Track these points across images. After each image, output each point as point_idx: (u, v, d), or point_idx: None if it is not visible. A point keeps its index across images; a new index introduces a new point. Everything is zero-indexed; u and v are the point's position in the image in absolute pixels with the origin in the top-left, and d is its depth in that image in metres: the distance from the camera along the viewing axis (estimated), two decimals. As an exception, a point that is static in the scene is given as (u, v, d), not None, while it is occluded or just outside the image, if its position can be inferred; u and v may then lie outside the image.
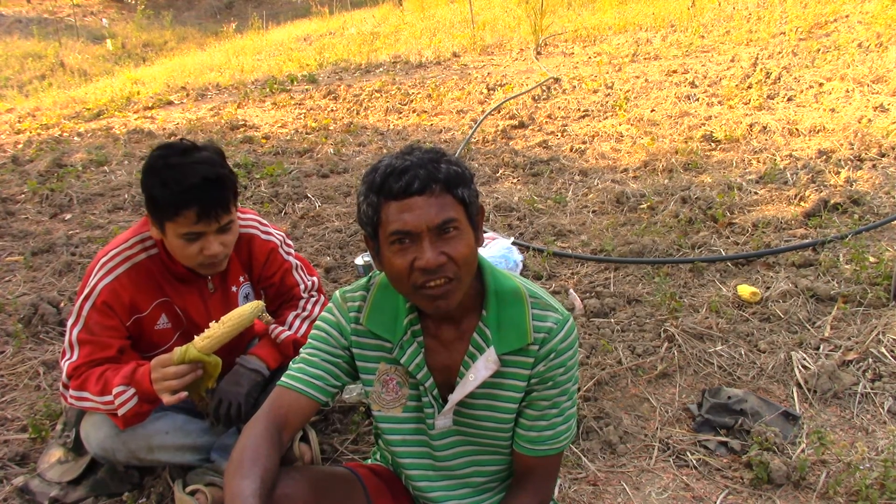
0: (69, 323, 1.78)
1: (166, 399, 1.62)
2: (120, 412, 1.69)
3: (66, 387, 1.77)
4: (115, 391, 1.68)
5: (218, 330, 1.62)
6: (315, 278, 2.13)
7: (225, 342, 1.64)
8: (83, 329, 1.75)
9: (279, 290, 2.05)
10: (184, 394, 1.64)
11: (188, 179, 1.61)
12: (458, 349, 1.35)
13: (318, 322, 1.43)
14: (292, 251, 2.08)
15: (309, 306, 2.06)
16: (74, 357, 1.75)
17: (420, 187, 1.18)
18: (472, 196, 1.25)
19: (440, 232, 1.20)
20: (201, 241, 1.70)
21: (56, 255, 3.62)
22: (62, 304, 2.97)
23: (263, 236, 1.99)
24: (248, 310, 1.64)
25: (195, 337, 1.65)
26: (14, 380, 2.53)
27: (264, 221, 2.04)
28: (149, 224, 1.77)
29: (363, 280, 1.43)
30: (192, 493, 1.83)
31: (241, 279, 1.98)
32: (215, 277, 1.91)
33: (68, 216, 4.28)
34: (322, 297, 2.11)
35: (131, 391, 1.69)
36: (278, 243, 2.02)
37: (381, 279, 1.39)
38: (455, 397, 1.35)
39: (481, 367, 1.32)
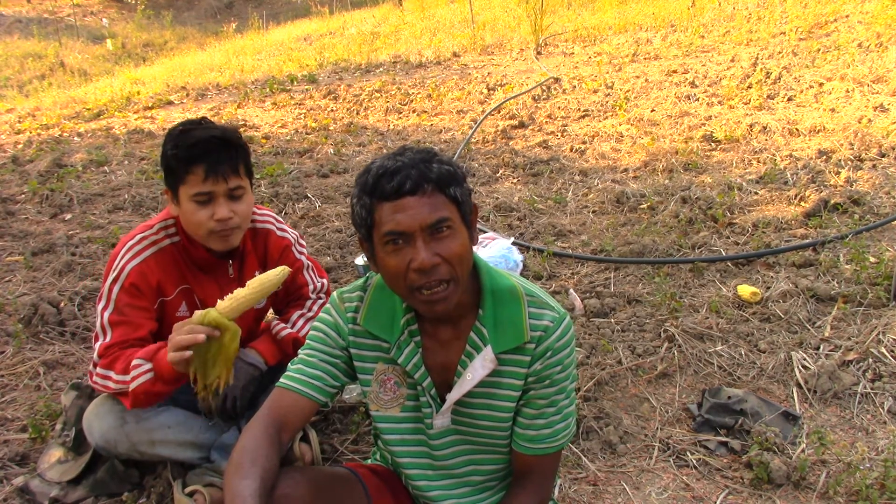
0: (99, 307, 1.80)
1: (171, 356, 1.52)
2: (132, 385, 1.68)
3: (95, 366, 1.79)
4: (133, 363, 1.69)
5: (241, 293, 1.54)
6: (324, 280, 2.15)
7: (248, 307, 1.57)
8: (114, 311, 1.77)
9: (289, 288, 2.07)
10: (189, 353, 1.51)
11: (197, 136, 1.70)
12: (456, 348, 1.35)
13: (315, 323, 1.44)
14: (304, 251, 2.10)
15: (315, 307, 2.07)
16: (108, 339, 1.77)
17: (412, 187, 1.18)
18: (465, 195, 1.25)
19: (434, 231, 1.19)
20: (212, 206, 1.73)
21: (56, 255, 3.62)
22: (62, 304, 2.97)
23: (279, 233, 2.02)
24: (273, 274, 1.57)
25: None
26: (14, 380, 2.53)
27: (280, 219, 2.07)
28: (170, 211, 1.81)
29: (360, 280, 1.43)
30: (191, 494, 1.83)
31: (257, 273, 1.99)
32: (234, 263, 1.92)
33: (68, 216, 4.27)
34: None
35: (148, 366, 1.69)
36: (292, 241, 2.05)
37: (378, 280, 1.39)
38: (453, 396, 1.35)
39: (478, 367, 1.32)
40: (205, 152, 1.69)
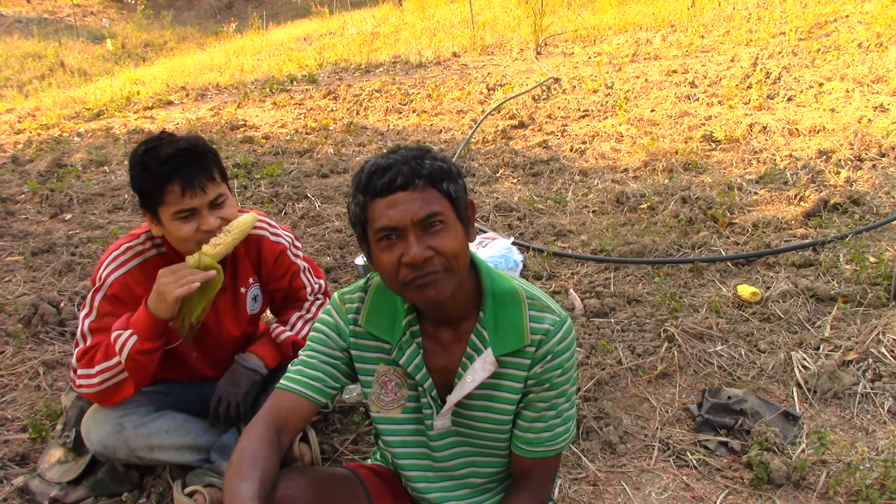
0: (82, 314, 1.79)
1: (178, 291, 1.61)
2: (123, 355, 1.67)
3: (74, 371, 1.78)
4: (113, 335, 1.68)
5: (226, 238, 1.70)
6: (322, 281, 2.13)
7: (230, 250, 1.72)
8: (95, 319, 1.76)
9: (287, 292, 2.06)
10: (196, 286, 1.63)
11: (165, 153, 1.65)
12: (456, 351, 1.35)
13: (316, 324, 1.43)
14: (300, 253, 2.08)
15: (313, 309, 2.06)
16: (87, 344, 1.76)
17: (403, 182, 1.19)
18: (458, 191, 1.25)
19: (426, 226, 1.19)
20: (196, 219, 1.69)
21: (56, 255, 3.62)
22: (62, 304, 2.97)
23: (273, 238, 1.99)
24: (248, 218, 1.76)
25: (205, 248, 1.69)
26: (14, 380, 2.53)
27: (273, 223, 2.03)
28: (153, 231, 1.78)
29: (361, 281, 1.43)
30: (191, 495, 1.83)
31: (251, 280, 1.98)
32: (226, 275, 1.90)
33: (68, 216, 4.27)
34: (327, 301, 2.11)
35: (128, 332, 1.68)
36: (287, 245, 2.02)
37: (379, 281, 1.39)
38: (453, 398, 1.35)
39: (479, 369, 1.32)
40: (176, 168, 1.63)
